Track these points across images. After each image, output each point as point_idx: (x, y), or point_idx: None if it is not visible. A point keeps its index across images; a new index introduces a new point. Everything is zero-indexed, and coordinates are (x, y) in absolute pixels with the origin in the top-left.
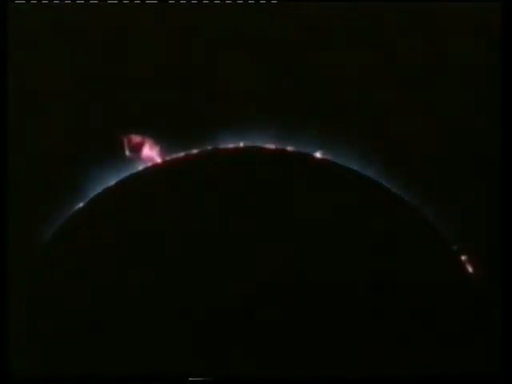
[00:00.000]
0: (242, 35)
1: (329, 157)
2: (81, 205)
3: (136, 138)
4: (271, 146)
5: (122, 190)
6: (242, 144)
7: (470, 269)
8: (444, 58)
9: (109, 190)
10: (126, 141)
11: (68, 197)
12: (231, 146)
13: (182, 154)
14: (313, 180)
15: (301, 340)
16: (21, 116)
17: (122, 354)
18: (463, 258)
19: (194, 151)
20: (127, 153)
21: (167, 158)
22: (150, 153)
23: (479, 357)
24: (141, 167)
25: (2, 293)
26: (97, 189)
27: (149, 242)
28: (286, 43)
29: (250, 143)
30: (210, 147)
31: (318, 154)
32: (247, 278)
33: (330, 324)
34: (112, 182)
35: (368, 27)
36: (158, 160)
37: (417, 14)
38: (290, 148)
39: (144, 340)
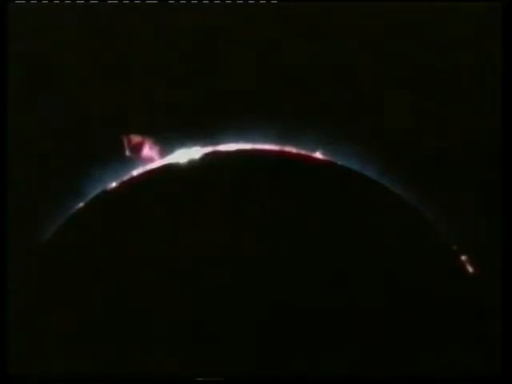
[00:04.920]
0: (242, 35)
1: (329, 157)
2: (81, 205)
3: (136, 138)
4: (271, 147)
5: (122, 190)
6: (241, 144)
7: (470, 269)
8: (444, 58)
9: (109, 189)
10: (126, 141)
11: (68, 197)
12: (231, 146)
13: (182, 156)
14: (313, 180)
15: (307, 339)
16: (21, 116)
17: (123, 354)
18: (463, 258)
19: (194, 153)
20: (127, 153)
21: (167, 159)
22: (150, 153)
23: (479, 358)
24: (141, 167)
25: (2, 293)
26: (97, 189)
27: (150, 242)
28: (285, 43)
29: (250, 143)
30: (209, 147)
31: (317, 154)
32: (249, 280)
33: (330, 324)
34: (112, 181)
35: (368, 27)
36: (158, 160)
37: (417, 13)
38: (289, 148)
39: (147, 340)
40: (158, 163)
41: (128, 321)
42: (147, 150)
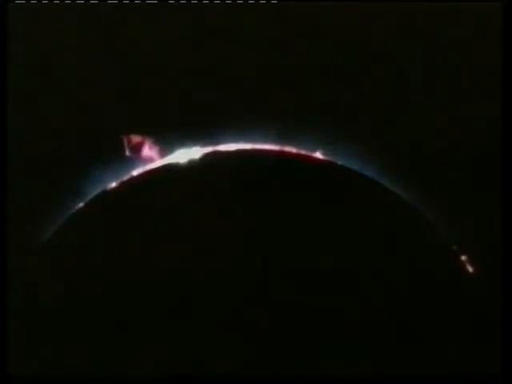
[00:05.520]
0: (242, 35)
1: (329, 157)
2: (81, 205)
3: (136, 138)
4: (271, 147)
5: (122, 190)
6: (241, 144)
7: (470, 269)
8: (444, 58)
9: (109, 189)
10: (125, 141)
11: (68, 197)
12: (231, 146)
13: (182, 156)
14: (313, 180)
15: (308, 339)
16: (20, 116)
17: (123, 355)
18: (463, 258)
19: (194, 153)
20: (127, 153)
21: (167, 159)
22: (150, 153)
23: (479, 357)
24: (141, 167)
25: (2, 293)
26: (97, 189)
27: (149, 242)
28: (285, 43)
29: (250, 143)
30: (209, 147)
31: (317, 154)
32: (249, 279)
33: (330, 323)
34: (112, 181)
35: (368, 27)
36: (158, 160)
37: (417, 14)
38: (289, 148)
39: (147, 340)
40: (157, 163)
41: (128, 321)
42: (147, 150)
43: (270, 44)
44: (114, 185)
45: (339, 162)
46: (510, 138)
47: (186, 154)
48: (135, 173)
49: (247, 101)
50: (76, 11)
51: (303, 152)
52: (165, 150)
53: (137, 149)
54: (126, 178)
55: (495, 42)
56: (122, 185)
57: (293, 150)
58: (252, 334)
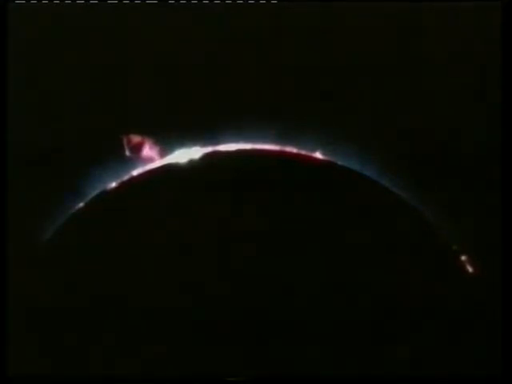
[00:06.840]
0: (242, 35)
1: (329, 157)
2: (81, 205)
3: (136, 138)
4: (271, 147)
5: (122, 190)
6: (241, 144)
7: (470, 269)
8: (444, 58)
9: (109, 189)
10: (125, 141)
11: (68, 197)
12: (231, 146)
13: (182, 156)
14: (313, 180)
15: (307, 338)
16: (20, 116)
17: (123, 355)
18: (463, 258)
19: (194, 153)
20: (127, 153)
21: (167, 159)
22: (150, 153)
23: (479, 358)
24: (141, 167)
25: (2, 293)
26: (97, 189)
27: (149, 243)
28: (285, 43)
29: (250, 143)
30: (209, 147)
31: (317, 154)
32: (250, 279)
33: (330, 324)
34: (112, 181)
35: (368, 27)
36: (158, 160)
37: (417, 13)
38: (289, 148)
39: (147, 341)
40: (157, 163)
41: (128, 321)
42: (147, 150)
43: (269, 44)
44: (114, 185)
45: (339, 162)
46: (510, 137)
47: (186, 154)
48: (135, 173)
49: (247, 101)
50: (76, 11)
51: (303, 152)
52: (165, 150)
53: (137, 149)
54: (125, 178)
55: (495, 41)
56: (122, 185)
57: (293, 150)
58: (251, 334)
